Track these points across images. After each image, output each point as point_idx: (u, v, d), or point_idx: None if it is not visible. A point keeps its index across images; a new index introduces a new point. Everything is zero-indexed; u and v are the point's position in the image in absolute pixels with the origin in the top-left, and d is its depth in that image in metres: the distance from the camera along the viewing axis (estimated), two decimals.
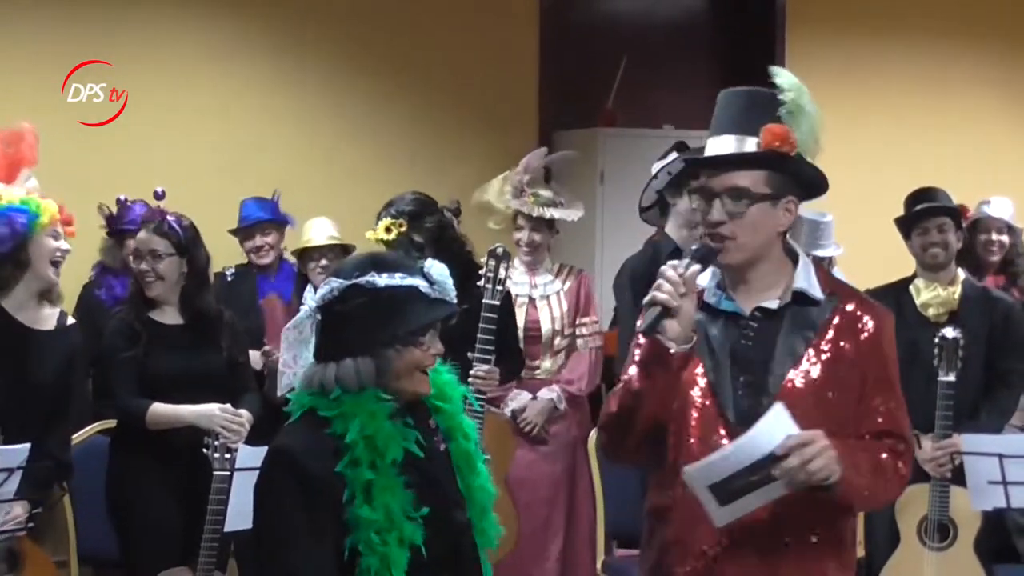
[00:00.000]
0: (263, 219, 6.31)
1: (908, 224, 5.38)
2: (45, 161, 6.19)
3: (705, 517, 2.93)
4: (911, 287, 5.34)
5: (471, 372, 5.02)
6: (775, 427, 2.86)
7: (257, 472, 2.99)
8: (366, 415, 2.83)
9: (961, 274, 5.37)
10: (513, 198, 5.60)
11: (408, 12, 7.25)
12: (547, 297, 5.69)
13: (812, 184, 3.10)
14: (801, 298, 3.06)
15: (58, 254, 4.58)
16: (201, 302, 4.87)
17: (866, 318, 3.06)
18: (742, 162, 3.01)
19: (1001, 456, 4.73)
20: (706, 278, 3.09)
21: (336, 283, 2.90)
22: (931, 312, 5.27)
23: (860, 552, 6.00)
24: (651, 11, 8.06)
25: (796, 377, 3.00)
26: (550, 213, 5.62)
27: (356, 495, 2.78)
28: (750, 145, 3.01)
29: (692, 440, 3.01)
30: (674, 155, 5.29)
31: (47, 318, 4.63)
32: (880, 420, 3.04)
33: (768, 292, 3.07)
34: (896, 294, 5.35)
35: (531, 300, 5.68)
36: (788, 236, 3.15)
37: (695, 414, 3.02)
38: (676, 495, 3.02)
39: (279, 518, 2.81)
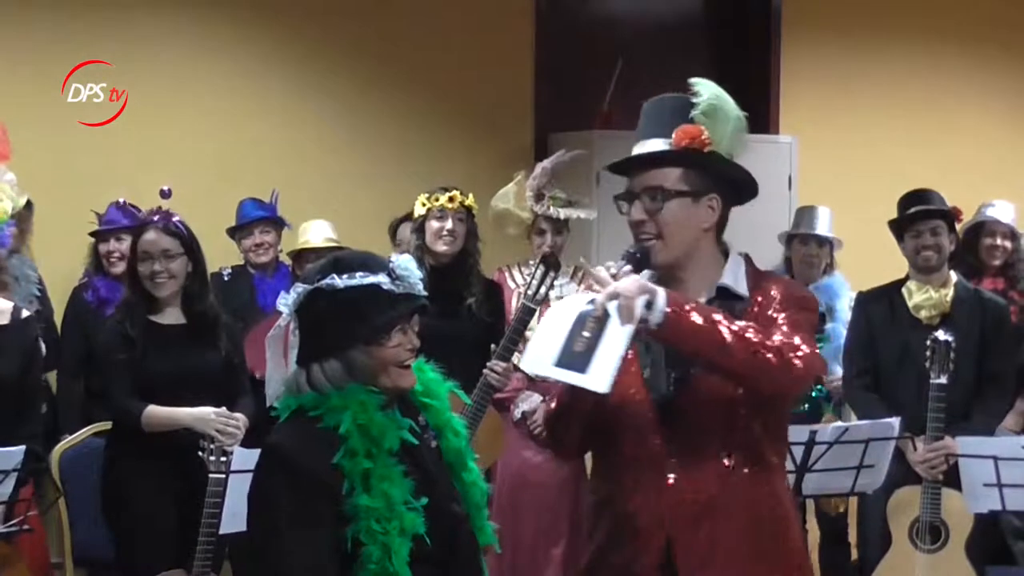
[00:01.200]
0: (262, 217, 6.33)
1: (901, 226, 5.40)
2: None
3: (647, 506, 3.03)
4: (903, 289, 5.35)
5: (488, 364, 5.07)
6: (569, 301, 2.95)
7: (252, 474, 2.98)
8: (357, 406, 2.84)
9: (953, 276, 5.39)
10: (536, 203, 5.62)
11: (405, 14, 7.25)
12: (562, 299, 5.67)
13: (738, 183, 3.17)
14: (725, 293, 3.11)
15: None
16: (203, 302, 4.88)
17: (772, 289, 3.11)
18: (658, 161, 3.08)
19: (996, 459, 4.75)
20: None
21: (301, 288, 2.91)
22: (923, 314, 5.29)
23: (854, 554, 6.05)
24: (647, 13, 8.04)
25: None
26: (576, 214, 5.65)
27: (355, 485, 2.78)
28: (665, 146, 3.08)
29: (627, 436, 3.08)
30: None
31: (1, 313, 4.65)
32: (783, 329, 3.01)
33: (703, 291, 3.11)
34: (888, 296, 5.38)
35: (546, 301, 5.68)
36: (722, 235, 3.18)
37: (629, 410, 3.08)
38: (618, 485, 3.09)
39: (272, 513, 2.80)
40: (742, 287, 3.13)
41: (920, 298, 5.30)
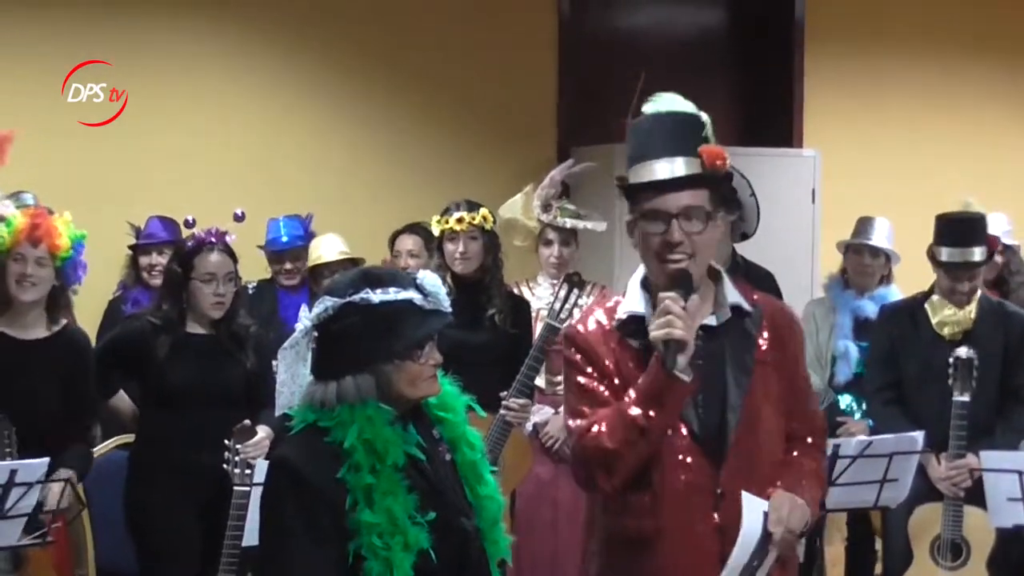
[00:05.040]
0: (297, 246, 6.33)
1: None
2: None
3: (699, 544, 3.06)
4: (927, 305, 5.32)
5: (505, 403, 5.02)
6: (753, 515, 3.00)
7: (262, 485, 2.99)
8: (364, 420, 2.84)
9: (977, 291, 5.36)
10: (543, 212, 5.61)
11: (426, 27, 7.26)
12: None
13: (730, 202, 3.23)
14: (737, 311, 3.14)
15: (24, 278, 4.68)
16: (237, 316, 4.94)
17: (789, 324, 3.24)
18: (691, 182, 3.07)
19: (1021, 473, 4.73)
20: (640, 303, 3.14)
21: (330, 302, 2.90)
22: (946, 331, 5.25)
23: (879, 569, 6.02)
24: (670, 26, 8.06)
25: (754, 389, 3.10)
26: (582, 224, 5.62)
27: (358, 500, 2.79)
28: (694, 166, 3.06)
29: (666, 464, 3.08)
30: None
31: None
32: (815, 423, 3.27)
33: (712, 307, 3.14)
34: (911, 311, 5.34)
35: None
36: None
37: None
38: (662, 523, 3.09)
39: (279, 524, 2.82)
40: (746, 304, 3.16)
41: (943, 315, 5.27)
